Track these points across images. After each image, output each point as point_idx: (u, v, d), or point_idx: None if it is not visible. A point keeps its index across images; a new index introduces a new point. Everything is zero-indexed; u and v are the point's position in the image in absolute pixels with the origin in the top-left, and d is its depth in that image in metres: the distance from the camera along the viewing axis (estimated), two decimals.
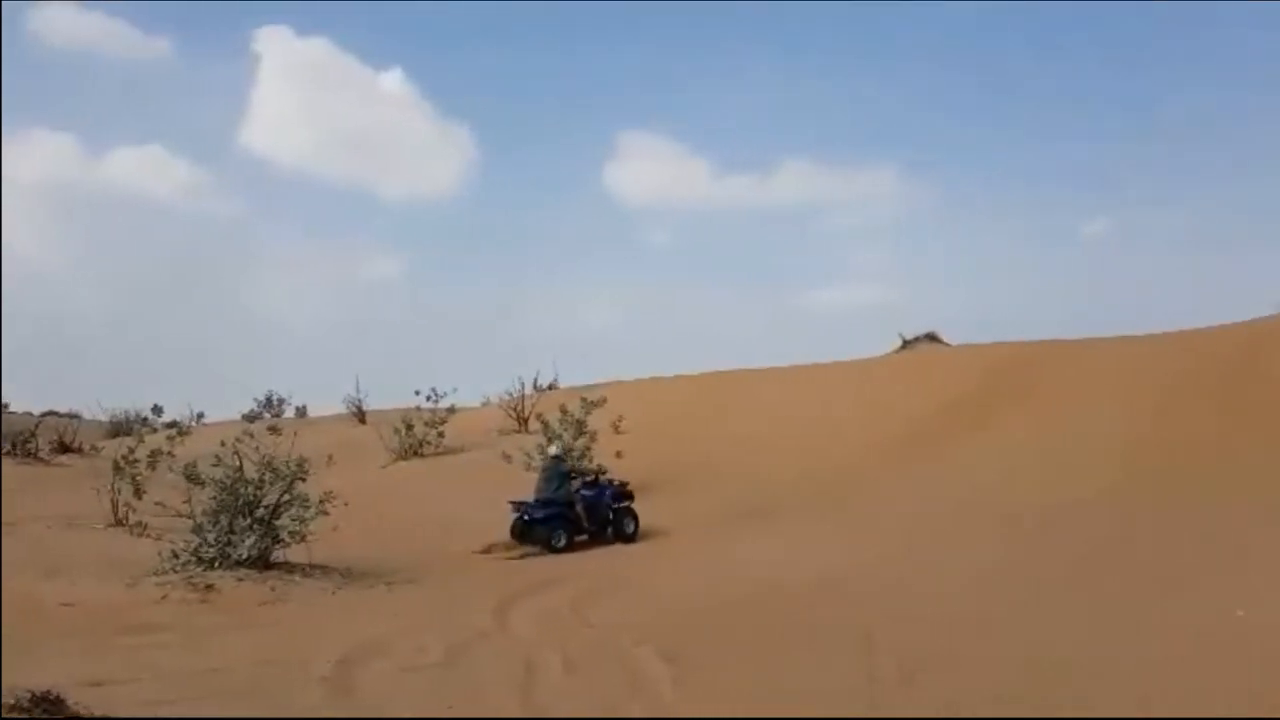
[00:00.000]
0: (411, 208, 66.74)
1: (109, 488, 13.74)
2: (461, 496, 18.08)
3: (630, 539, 13.81)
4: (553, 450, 14.89)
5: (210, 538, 10.34)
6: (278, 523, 10.61)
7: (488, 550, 12.95)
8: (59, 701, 4.95)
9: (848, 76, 62.08)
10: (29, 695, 4.87)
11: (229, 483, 10.61)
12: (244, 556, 10.21)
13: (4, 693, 4.79)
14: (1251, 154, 57.41)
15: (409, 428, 24.55)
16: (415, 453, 24.30)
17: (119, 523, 13.44)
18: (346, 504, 11.38)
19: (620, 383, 29.24)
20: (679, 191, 65.24)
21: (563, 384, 31.05)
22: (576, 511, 13.63)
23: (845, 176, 62.47)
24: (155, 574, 9.78)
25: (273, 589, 9.71)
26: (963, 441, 18.32)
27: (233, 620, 8.50)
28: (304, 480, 10.93)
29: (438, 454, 24.15)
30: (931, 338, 32.11)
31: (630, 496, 14.36)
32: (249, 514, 10.51)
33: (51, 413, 36.53)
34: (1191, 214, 59.66)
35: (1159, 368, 19.41)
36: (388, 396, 33.03)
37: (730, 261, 69.04)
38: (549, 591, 10.04)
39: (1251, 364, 17.97)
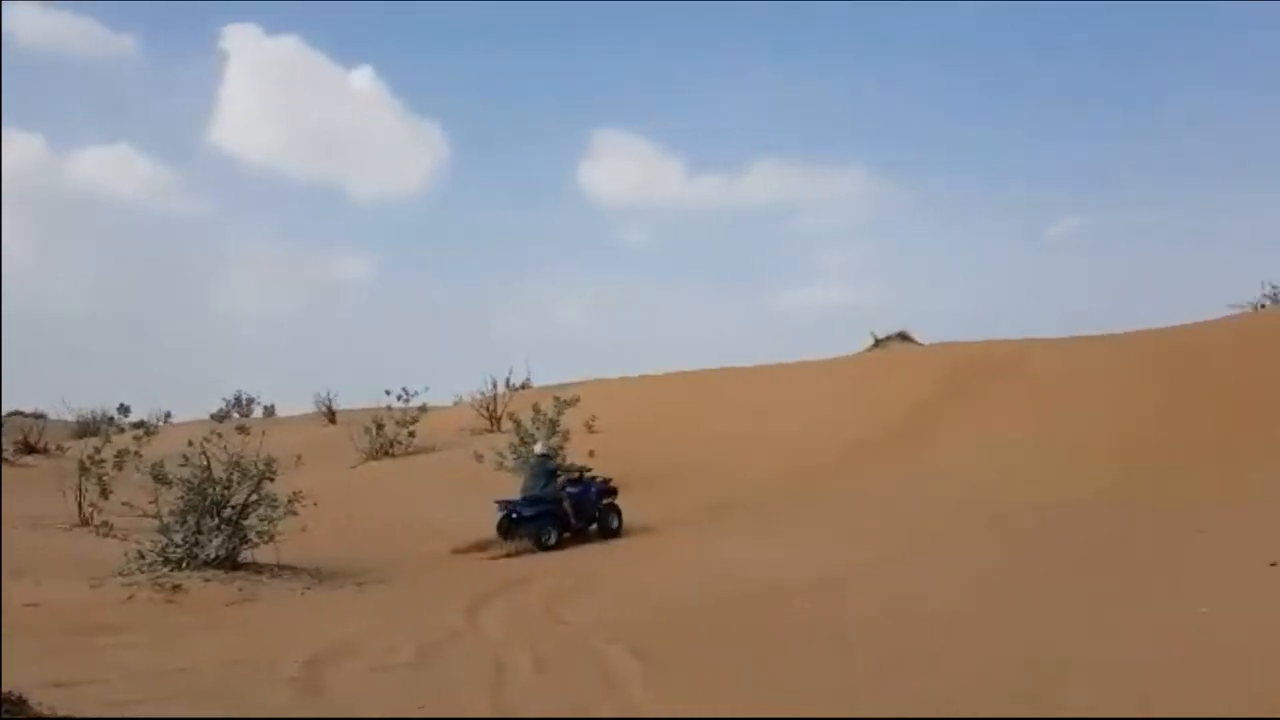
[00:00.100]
0: (382, 206, 66.51)
1: (75, 488, 13.58)
2: (433, 496, 18.03)
3: (615, 534, 14.00)
4: (539, 449, 14.91)
5: (177, 538, 10.24)
6: (245, 523, 10.52)
7: (468, 550, 12.89)
8: (21, 702, 4.87)
9: (820, 76, 62.27)
10: None
11: (196, 482, 10.51)
12: (211, 557, 10.12)
13: None
14: (1222, 155, 58.06)
15: (379, 427, 24.46)
16: (386, 453, 24.22)
17: (85, 523, 13.29)
18: (316, 504, 11.30)
19: (594, 382, 29.24)
20: (653, 191, 65.38)
21: (536, 383, 31.07)
22: (564, 508, 13.68)
23: (817, 176, 62.81)
24: (121, 574, 9.66)
25: (240, 589, 9.62)
26: (936, 439, 18.46)
27: (200, 621, 8.41)
28: (272, 480, 10.84)
29: (409, 454, 24.08)
30: (903, 337, 32.42)
31: (614, 493, 14.52)
32: (216, 514, 10.41)
33: (17, 413, 36.04)
34: (1160, 214, 60.38)
35: (1128, 364, 19.61)
36: (358, 396, 32.88)
37: (704, 261, 69.33)
38: (521, 590, 10.00)
39: (1204, 360, 18.22)
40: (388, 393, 26.65)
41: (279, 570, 10.53)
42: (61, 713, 4.98)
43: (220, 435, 10.99)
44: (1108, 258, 61.23)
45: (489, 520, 13.38)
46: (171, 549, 10.18)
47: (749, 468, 18.51)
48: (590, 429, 22.33)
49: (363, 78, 63.90)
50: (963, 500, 14.31)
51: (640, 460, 18.87)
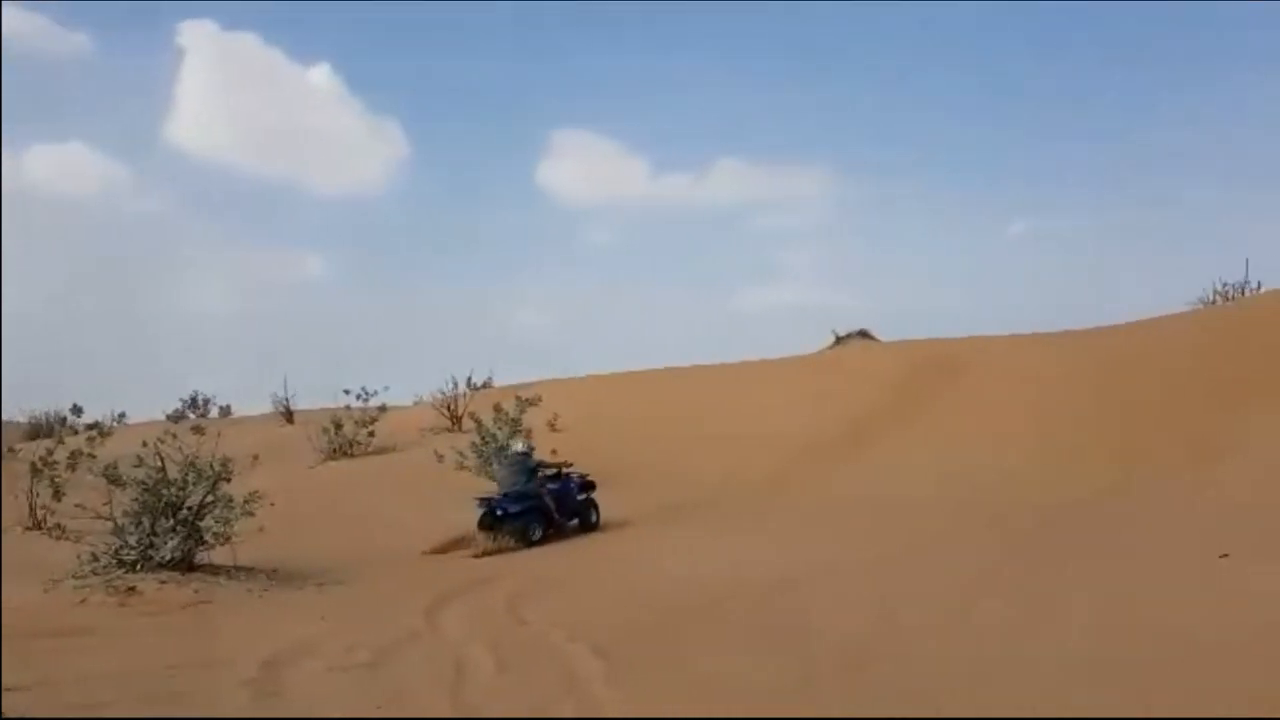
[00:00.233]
0: (340, 205, 65.52)
1: (26, 490, 13.36)
2: (393, 496, 17.92)
3: (594, 528, 14.29)
4: (519, 446, 14.95)
5: (131, 540, 10.10)
6: (201, 524, 10.40)
7: (443, 549, 12.88)
8: None
9: (782, 76, 62.48)
10: None
11: (151, 483, 10.37)
12: (167, 558, 9.99)
13: None
14: (1185, 153, 58.88)
15: (338, 427, 24.26)
16: (345, 453, 24.01)
17: (37, 526, 13.09)
18: (273, 504, 11.19)
19: (556, 381, 29.16)
20: (615, 190, 65.17)
21: (498, 383, 30.89)
22: (547, 504, 13.81)
23: (779, 176, 62.89)
24: (75, 577, 9.51)
25: (196, 591, 9.51)
26: (896, 438, 18.63)
27: (155, 623, 8.31)
28: (228, 481, 10.73)
29: (368, 454, 23.90)
30: (864, 334, 32.65)
31: (593, 487, 14.76)
32: (172, 515, 10.28)
33: None
34: (1122, 212, 61.17)
35: (1084, 360, 19.85)
36: (317, 396, 32.52)
37: (667, 260, 69.07)
38: (482, 590, 9.97)
39: (1145, 359, 18.52)
40: (346, 392, 26.45)
41: (236, 572, 10.42)
42: (15, 714, 4.93)
43: (175, 436, 10.88)
44: (1068, 255, 61.87)
45: (454, 519, 13.34)
46: (126, 551, 10.04)
47: (711, 466, 18.56)
48: (553, 428, 22.29)
49: (320, 75, 63.08)
50: (918, 500, 14.48)
51: (603, 459, 18.81)
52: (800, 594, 9.12)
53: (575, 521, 14.23)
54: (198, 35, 58.95)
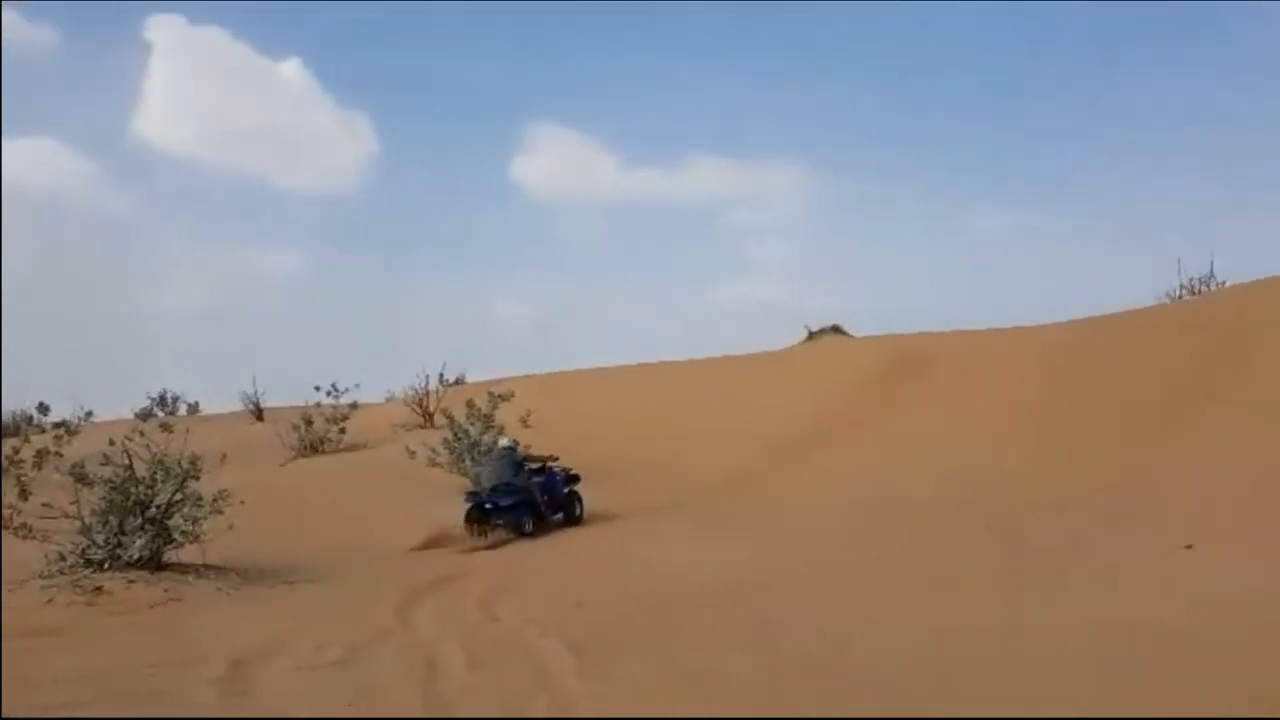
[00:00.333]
0: (312, 200, 65.11)
1: None
2: (364, 494, 17.84)
3: (577, 521, 14.44)
4: (504, 442, 15.05)
5: (99, 539, 10.00)
6: (170, 523, 10.32)
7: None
8: None
9: (754, 73, 62.59)
10: None
11: (118, 482, 10.28)
12: (135, 558, 9.90)
13: None
14: (1156, 148, 59.49)
15: (308, 424, 24.14)
16: (315, 450, 23.91)
17: (2, 525, 12.90)
18: (243, 502, 11.10)
19: (529, 377, 29.16)
20: (587, 184, 65.07)
21: (471, 379, 30.85)
22: (536, 497, 13.92)
23: (752, 171, 63.04)
24: (41, 577, 9.42)
25: (165, 590, 9.43)
26: (866, 434, 18.73)
27: (123, 622, 8.25)
28: (197, 479, 10.64)
29: (339, 451, 23.80)
30: (836, 329, 32.82)
31: (577, 480, 14.92)
32: (140, 514, 10.19)
33: None
34: (1091, 206, 61.82)
35: (1055, 354, 19.99)
36: (288, 394, 32.36)
37: (640, 255, 69.04)
38: (454, 587, 9.96)
39: (1138, 354, 18.69)
40: (317, 389, 26.35)
41: (205, 570, 10.35)
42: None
43: (143, 434, 10.78)
44: (1039, 251, 62.41)
45: (434, 515, 13.32)
46: (93, 550, 9.94)
47: (682, 462, 18.59)
48: (525, 424, 22.26)
49: (290, 70, 62.61)
50: (871, 497, 14.57)
51: (577, 455, 18.77)
52: (778, 589, 9.15)
53: (559, 515, 14.34)
54: (165, 30, 58.44)
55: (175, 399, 38.81)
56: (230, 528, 10.67)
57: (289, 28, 61.60)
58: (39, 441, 13.40)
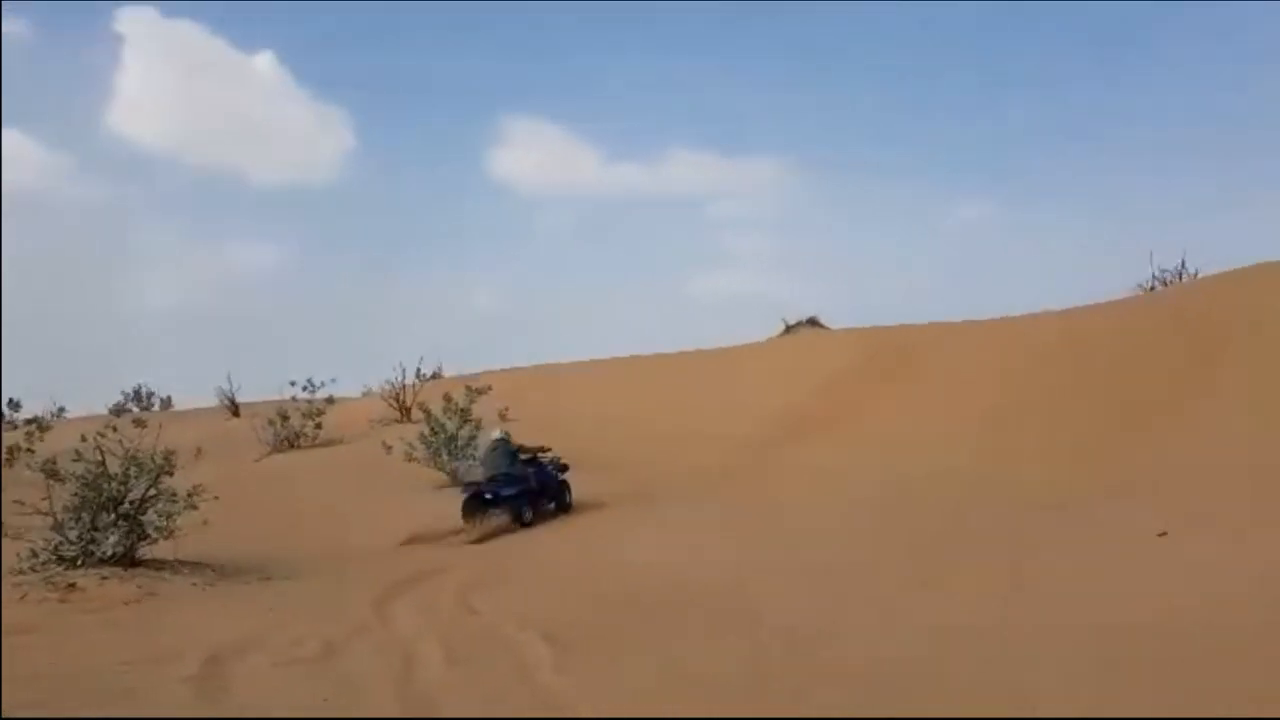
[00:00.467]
0: (286, 195, 64.91)
1: None
2: (340, 488, 17.77)
3: (567, 509, 14.67)
4: (496, 434, 15.11)
5: (72, 535, 9.91)
6: (144, 518, 10.22)
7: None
8: None
9: (733, 67, 62.67)
10: None
11: (91, 478, 10.18)
12: (108, 554, 9.81)
13: None
14: (1133, 140, 60.05)
15: (284, 419, 24.00)
16: (291, 445, 23.78)
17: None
18: (218, 498, 11.03)
19: (507, 371, 29.10)
20: (567, 178, 65.06)
21: (448, 373, 30.75)
22: (533, 486, 14.14)
23: (732, 166, 63.22)
24: (13, 574, 9.32)
25: (139, 587, 9.34)
26: (845, 425, 18.81)
27: (97, 620, 8.15)
28: (171, 474, 10.56)
29: (315, 446, 23.68)
30: (813, 322, 32.97)
31: (566, 469, 15.18)
32: (113, 510, 10.09)
33: None
34: (1068, 198, 62.33)
35: (1030, 346, 20.11)
36: (263, 389, 32.17)
37: (620, 248, 69.24)
38: (431, 582, 9.91)
39: (1083, 345, 18.86)
40: (293, 384, 26.22)
41: (180, 566, 10.26)
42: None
43: (115, 429, 10.67)
44: (1015, 242, 62.96)
45: (409, 510, 13.29)
46: (66, 547, 9.85)
47: (660, 457, 18.62)
48: (503, 418, 22.22)
49: (265, 63, 62.22)
50: (865, 496, 14.63)
51: (555, 448, 18.84)
52: (755, 580, 9.16)
53: (552, 505, 14.55)
54: (137, 23, 58.07)
55: (150, 394, 38.60)
56: (205, 524, 10.59)
57: (263, 21, 61.24)
58: (11, 438, 13.33)
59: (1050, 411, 16.29)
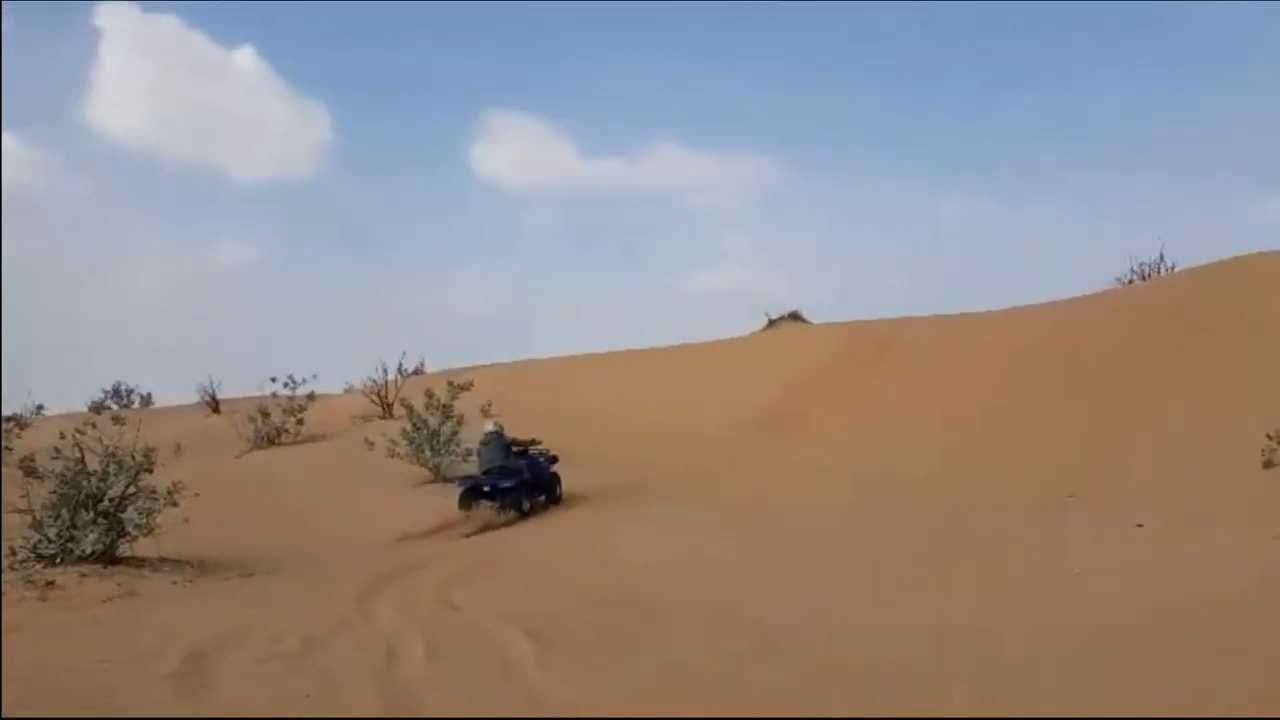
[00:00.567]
0: (267, 190, 64.28)
1: None
2: (322, 485, 17.68)
3: (558, 501, 14.84)
4: (490, 427, 15.11)
5: (50, 533, 9.84)
6: (123, 516, 10.16)
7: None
8: None
9: (716, 62, 62.56)
10: None
11: (69, 475, 10.12)
12: (88, 552, 9.76)
13: None
14: (1117, 137, 60.27)
15: (265, 416, 23.86)
16: (272, 441, 23.63)
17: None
18: (198, 495, 10.98)
19: (490, 366, 29.00)
20: (548, 172, 64.83)
21: (431, 369, 30.62)
22: (529, 478, 14.28)
23: (715, 160, 63.08)
24: None
25: (119, 584, 9.29)
26: (828, 419, 18.85)
27: (76, 618, 8.11)
28: (150, 471, 10.51)
29: (296, 442, 23.55)
30: (795, 317, 33.07)
31: (555, 460, 15.25)
32: (92, 507, 10.03)
33: None
34: (1054, 194, 62.59)
35: (1011, 340, 20.20)
36: (244, 385, 31.98)
37: (602, 243, 68.98)
38: (413, 578, 9.89)
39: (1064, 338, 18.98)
40: (274, 380, 26.05)
41: (160, 564, 10.23)
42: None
43: (95, 426, 10.61)
44: (1000, 237, 63.12)
45: (392, 507, 13.26)
46: (44, 545, 9.79)
47: (644, 452, 18.60)
48: (486, 414, 22.13)
49: (245, 58, 61.70)
50: (847, 493, 14.68)
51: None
52: (736, 576, 9.20)
53: (543, 497, 14.66)
54: (115, 17, 57.43)
55: (129, 391, 38.26)
56: (185, 521, 10.54)
57: (243, 15, 60.80)
58: None
59: (1043, 407, 16.36)
